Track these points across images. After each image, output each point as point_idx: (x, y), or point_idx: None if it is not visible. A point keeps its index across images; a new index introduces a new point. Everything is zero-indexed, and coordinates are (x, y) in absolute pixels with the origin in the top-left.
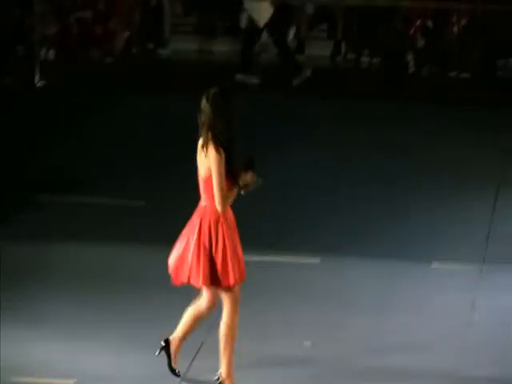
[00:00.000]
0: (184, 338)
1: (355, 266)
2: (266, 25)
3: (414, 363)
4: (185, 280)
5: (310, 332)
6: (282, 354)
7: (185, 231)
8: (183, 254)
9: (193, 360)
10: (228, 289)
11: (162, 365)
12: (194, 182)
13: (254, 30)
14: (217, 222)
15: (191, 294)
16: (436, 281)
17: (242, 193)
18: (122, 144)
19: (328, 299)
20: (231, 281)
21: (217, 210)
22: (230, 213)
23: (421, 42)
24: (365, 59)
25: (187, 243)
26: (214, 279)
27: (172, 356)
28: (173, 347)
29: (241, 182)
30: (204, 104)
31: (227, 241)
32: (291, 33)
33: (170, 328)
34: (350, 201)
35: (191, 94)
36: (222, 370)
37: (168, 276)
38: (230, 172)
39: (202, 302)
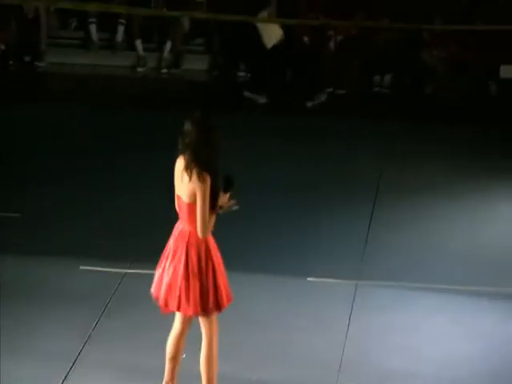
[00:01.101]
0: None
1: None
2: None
3: (292, 378)
4: (174, 308)
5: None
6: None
7: (168, 257)
8: (172, 282)
9: (67, 375)
10: (209, 316)
11: (39, 379)
12: (68, 192)
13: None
14: (206, 248)
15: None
16: (311, 295)
17: (220, 212)
18: None
19: None
20: (224, 304)
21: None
22: (210, 236)
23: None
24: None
25: (175, 270)
26: (204, 307)
27: None
28: None
29: (219, 203)
30: (189, 128)
31: (216, 266)
32: (167, 46)
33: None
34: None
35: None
36: None
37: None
38: (212, 196)
39: (177, 331)
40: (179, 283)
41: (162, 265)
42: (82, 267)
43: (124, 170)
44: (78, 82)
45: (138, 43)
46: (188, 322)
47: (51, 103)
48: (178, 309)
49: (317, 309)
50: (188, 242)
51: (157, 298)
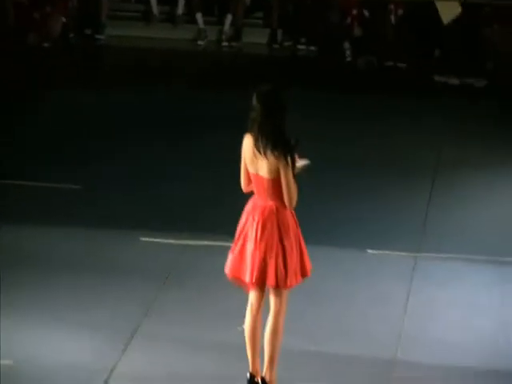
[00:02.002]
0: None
1: None
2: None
3: (350, 350)
4: (250, 280)
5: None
6: (217, 339)
7: (244, 232)
8: (244, 255)
9: (126, 348)
10: (280, 290)
11: (98, 351)
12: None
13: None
14: (284, 221)
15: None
16: (371, 267)
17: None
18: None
19: None
20: (296, 281)
21: (282, 210)
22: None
23: (357, 31)
24: (302, 47)
25: (256, 244)
26: (284, 280)
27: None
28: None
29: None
30: (255, 102)
31: (293, 241)
32: (228, 19)
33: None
34: None
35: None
36: (267, 374)
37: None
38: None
39: (252, 307)
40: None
41: (240, 243)
42: (142, 239)
43: (185, 145)
44: (137, 56)
45: (199, 16)
46: (262, 298)
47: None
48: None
49: (376, 281)
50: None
51: (234, 277)
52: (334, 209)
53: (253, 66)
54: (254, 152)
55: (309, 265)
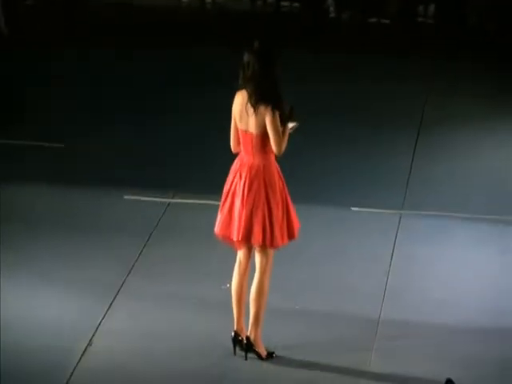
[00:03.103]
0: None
1: None
2: None
3: (335, 308)
4: (237, 238)
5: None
6: (202, 297)
7: (234, 191)
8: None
9: (110, 305)
10: (266, 249)
11: (83, 309)
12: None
13: None
14: (274, 179)
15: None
16: (355, 225)
17: None
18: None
19: None
20: (283, 240)
21: (271, 167)
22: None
23: None
24: (285, 3)
25: (243, 202)
26: (270, 239)
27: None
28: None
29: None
30: (248, 59)
31: (279, 199)
32: None
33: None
34: None
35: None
36: (252, 332)
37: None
38: (281, 120)
39: (242, 268)
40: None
41: (228, 202)
42: (126, 197)
43: (168, 104)
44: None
45: None
46: (250, 257)
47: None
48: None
49: (361, 239)
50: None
51: (224, 236)
52: (315, 164)
53: (235, 22)
54: (246, 109)
55: (296, 225)
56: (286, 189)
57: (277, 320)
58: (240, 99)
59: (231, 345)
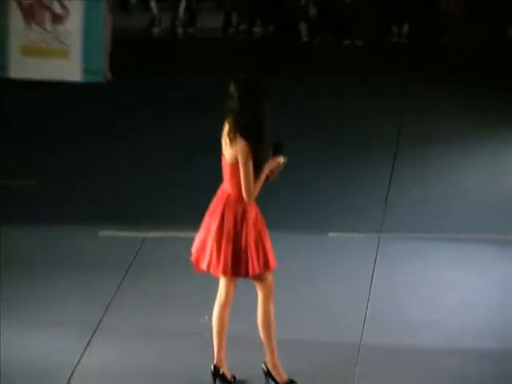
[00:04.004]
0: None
1: None
2: None
3: (316, 335)
4: (204, 267)
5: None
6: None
7: (207, 217)
8: (204, 241)
9: (88, 343)
10: (260, 277)
11: (60, 348)
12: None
13: None
14: (243, 210)
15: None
16: (333, 250)
17: (270, 179)
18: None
19: None
20: (255, 270)
21: (242, 199)
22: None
23: (313, 11)
24: (258, 29)
25: (208, 230)
26: (235, 269)
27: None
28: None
29: (267, 170)
30: (233, 89)
31: (252, 229)
32: (182, 5)
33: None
34: None
35: None
36: (268, 360)
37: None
38: (258, 162)
39: (221, 298)
40: (211, 243)
41: (204, 226)
42: (101, 233)
43: (143, 136)
44: None
45: (153, 3)
46: (232, 288)
47: None
48: (208, 267)
49: (340, 264)
50: (226, 202)
51: (196, 262)
52: (290, 189)
53: (207, 50)
54: (225, 137)
55: (271, 260)
56: (261, 221)
57: (256, 349)
58: (226, 127)
59: (211, 379)
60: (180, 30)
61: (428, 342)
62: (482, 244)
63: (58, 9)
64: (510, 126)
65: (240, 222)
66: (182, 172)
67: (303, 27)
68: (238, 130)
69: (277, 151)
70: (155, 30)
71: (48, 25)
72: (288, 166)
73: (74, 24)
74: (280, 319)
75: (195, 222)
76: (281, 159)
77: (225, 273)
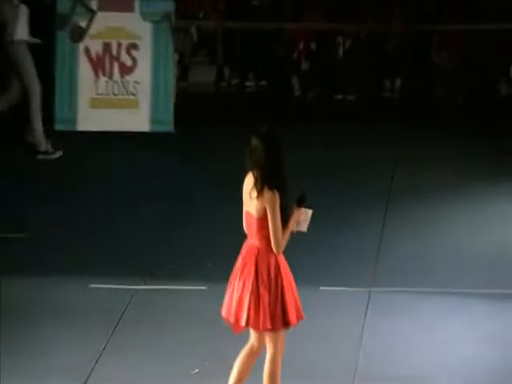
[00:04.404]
0: None
1: None
2: None
3: None
4: (243, 323)
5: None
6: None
7: (238, 274)
8: (242, 297)
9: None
10: (275, 331)
11: None
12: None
13: None
14: (276, 263)
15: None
16: (324, 304)
17: (295, 231)
18: None
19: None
20: (293, 321)
21: (272, 251)
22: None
23: (305, 65)
24: (250, 83)
25: (244, 285)
26: (274, 323)
27: None
28: None
29: (293, 221)
30: (256, 144)
31: (285, 282)
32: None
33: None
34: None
35: None
36: None
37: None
38: (285, 212)
39: (252, 347)
40: (249, 297)
41: (232, 284)
42: (91, 285)
43: (132, 188)
44: None
45: None
46: (263, 341)
47: None
48: (247, 323)
49: (330, 318)
50: (257, 256)
51: (227, 319)
52: None
53: (200, 105)
54: (250, 190)
55: (293, 315)
56: (287, 275)
57: None
58: (248, 181)
59: None
60: None
61: None
62: (472, 298)
63: (126, 60)
64: (501, 177)
65: (274, 274)
66: (175, 226)
67: (295, 81)
68: (266, 182)
69: (300, 203)
70: None
71: (117, 76)
72: None
73: (142, 74)
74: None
75: (186, 274)
76: (308, 210)
77: (265, 328)
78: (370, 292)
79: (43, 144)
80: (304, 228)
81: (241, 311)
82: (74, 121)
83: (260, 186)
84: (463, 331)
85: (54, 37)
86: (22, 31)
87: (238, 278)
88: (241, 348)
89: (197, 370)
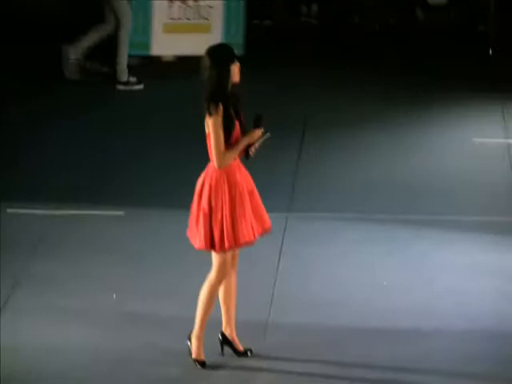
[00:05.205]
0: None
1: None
2: None
3: (219, 313)
4: (192, 243)
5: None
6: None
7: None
8: (191, 216)
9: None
10: (217, 253)
11: None
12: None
13: None
14: (217, 182)
15: None
16: None
17: (251, 153)
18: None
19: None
20: (226, 245)
21: (218, 170)
22: (240, 172)
23: None
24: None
25: (193, 205)
26: (211, 243)
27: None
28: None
29: (246, 140)
30: (204, 59)
31: (228, 204)
32: None
33: None
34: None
35: None
36: (194, 331)
37: None
38: (230, 129)
39: (211, 273)
40: (195, 216)
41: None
42: (9, 210)
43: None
44: None
45: None
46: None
47: None
48: (194, 243)
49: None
50: (205, 175)
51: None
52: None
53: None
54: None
55: (243, 234)
56: (235, 196)
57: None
58: None
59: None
60: None
61: (335, 323)
62: (386, 224)
63: None
64: (422, 110)
65: (215, 194)
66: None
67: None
68: (207, 94)
69: (257, 124)
70: None
71: (190, 1)
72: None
73: None
74: (186, 300)
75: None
76: (259, 131)
77: (201, 247)
78: (286, 217)
79: (125, 75)
80: (256, 149)
81: (190, 230)
82: (147, 46)
83: (203, 103)
84: (379, 257)
85: None
86: None
87: (195, 197)
88: (159, 271)
89: (114, 296)
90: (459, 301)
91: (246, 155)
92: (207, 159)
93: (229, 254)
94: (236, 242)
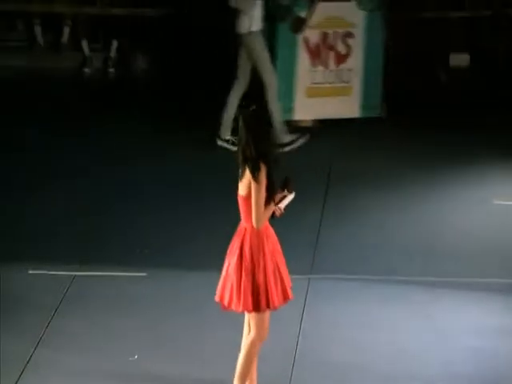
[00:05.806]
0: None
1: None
2: None
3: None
4: (226, 304)
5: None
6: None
7: (227, 255)
8: (226, 277)
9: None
10: (256, 314)
11: None
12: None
13: None
14: (258, 244)
15: None
16: None
17: (277, 213)
18: None
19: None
20: (275, 304)
21: (256, 231)
22: (271, 232)
23: None
24: None
25: (229, 265)
26: (256, 304)
27: None
28: None
29: (276, 200)
30: (240, 124)
31: (269, 263)
32: (113, 47)
33: None
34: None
35: None
36: None
37: None
38: (269, 187)
39: (252, 334)
40: (232, 278)
41: (225, 263)
42: (31, 271)
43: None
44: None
45: (84, 44)
46: (264, 323)
47: None
48: (230, 305)
49: None
50: (243, 237)
51: (217, 299)
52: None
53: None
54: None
55: (274, 298)
56: (272, 257)
57: None
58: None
59: None
60: (111, 70)
61: None
62: (409, 285)
63: (341, 48)
64: (443, 169)
65: (257, 256)
66: (108, 210)
67: None
68: (251, 157)
69: (286, 186)
70: (86, 70)
71: (332, 65)
72: (215, 210)
73: (355, 62)
74: (210, 360)
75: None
76: (290, 194)
77: (246, 310)
78: (309, 279)
79: (284, 135)
80: (282, 211)
81: (224, 291)
82: (291, 110)
83: (244, 163)
84: (403, 320)
85: (275, 28)
86: (258, 22)
87: (226, 258)
88: (182, 333)
89: (136, 357)
90: (487, 364)
91: (272, 215)
92: (225, 221)
93: (267, 313)
94: (283, 299)
